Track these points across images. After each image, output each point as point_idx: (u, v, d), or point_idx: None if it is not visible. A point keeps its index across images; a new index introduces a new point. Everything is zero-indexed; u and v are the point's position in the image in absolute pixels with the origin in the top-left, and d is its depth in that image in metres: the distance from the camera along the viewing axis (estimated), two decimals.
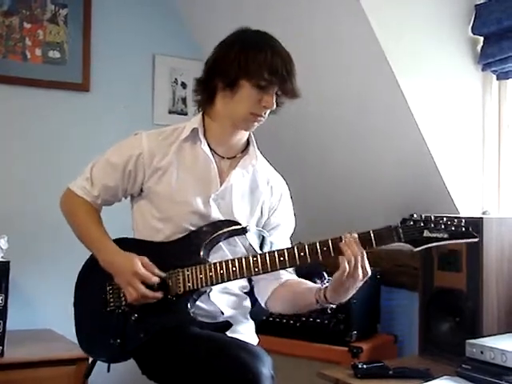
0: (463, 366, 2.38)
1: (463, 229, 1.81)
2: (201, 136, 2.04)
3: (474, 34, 2.88)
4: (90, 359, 2.15)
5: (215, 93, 2.02)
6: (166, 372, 1.94)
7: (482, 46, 2.87)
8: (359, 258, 1.82)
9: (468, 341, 2.42)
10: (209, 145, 2.05)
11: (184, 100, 3.67)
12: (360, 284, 1.87)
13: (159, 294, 1.95)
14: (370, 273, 1.85)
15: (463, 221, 1.82)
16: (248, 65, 1.92)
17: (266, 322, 3.00)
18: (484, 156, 2.99)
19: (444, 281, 2.65)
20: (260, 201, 2.12)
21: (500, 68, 2.86)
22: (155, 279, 1.95)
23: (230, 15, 3.20)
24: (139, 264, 1.94)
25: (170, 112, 3.66)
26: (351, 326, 2.93)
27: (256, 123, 2.01)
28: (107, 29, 3.48)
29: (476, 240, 1.83)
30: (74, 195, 2.11)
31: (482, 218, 2.58)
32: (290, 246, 2.18)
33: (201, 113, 2.09)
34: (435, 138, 2.83)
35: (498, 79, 2.93)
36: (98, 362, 2.10)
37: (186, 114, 3.64)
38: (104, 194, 2.10)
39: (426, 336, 2.75)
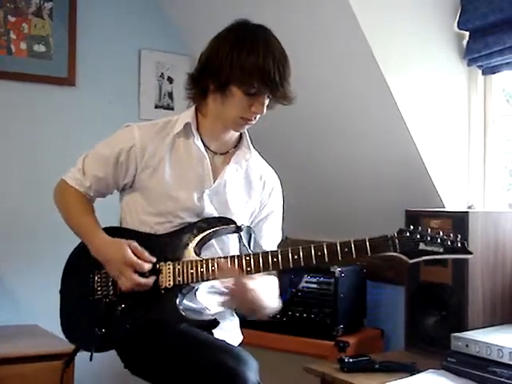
0: (449, 359, 2.40)
1: (459, 244, 1.82)
2: (194, 131, 2.02)
3: (460, 28, 2.89)
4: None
5: (207, 91, 1.99)
6: (148, 367, 1.91)
7: (468, 41, 2.88)
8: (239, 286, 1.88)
9: (453, 334, 2.44)
10: (202, 140, 2.04)
11: (170, 94, 3.65)
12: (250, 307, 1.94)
13: (151, 280, 1.93)
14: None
15: (459, 236, 1.83)
16: (239, 71, 1.87)
17: None
18: (469, 151, 3.00)
19: (430, 275, 2.66)
20: (253, 196, 2.11)
21: (485, 63, 2.86)
22: (147, 266, 1.93)
23: (215, 10, 3.19)
24: (129, 252, 1.92)
25: (157, 107, 3.63)
26: (337, 321, 2.94)
27: (246, 126, 2.01)
28: (93, 23, 3.45)
29: (471, 257, 1.84)
30: (67, 186, 2.11)
31: (467, 212, 2.60)
32: (280, 235, 2.19)
33: (193, 106, 2.07)
34: (421, 134, 2.83)
35: (483, 74, 2.94)
36: (83, 354, 2.07)
37: (172, 109, 3.62)
38: (96, 185, 2.08)
39: (411, 330, 2.76)
